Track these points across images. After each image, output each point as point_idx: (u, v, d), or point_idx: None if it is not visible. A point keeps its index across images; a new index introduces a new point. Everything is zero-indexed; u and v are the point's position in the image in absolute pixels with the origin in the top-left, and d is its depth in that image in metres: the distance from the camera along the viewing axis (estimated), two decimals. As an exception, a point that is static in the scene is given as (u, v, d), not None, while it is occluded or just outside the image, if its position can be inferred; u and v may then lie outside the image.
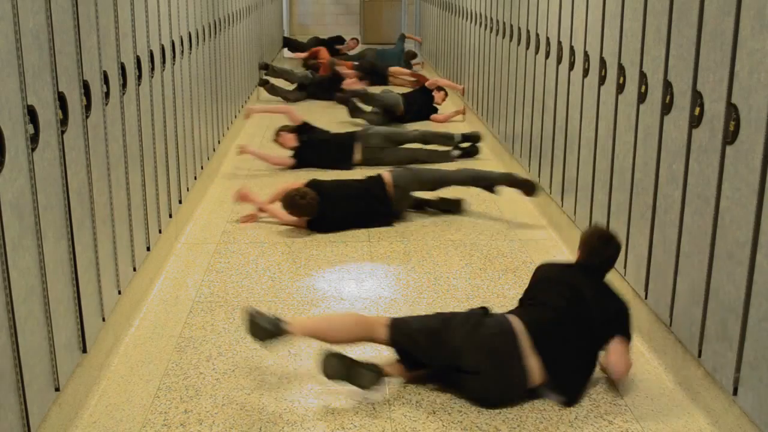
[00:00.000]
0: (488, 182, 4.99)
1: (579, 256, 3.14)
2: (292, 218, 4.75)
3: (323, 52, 11.38)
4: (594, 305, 2.95)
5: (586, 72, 4.09)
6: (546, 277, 3.17)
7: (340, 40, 13.06)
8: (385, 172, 4.97)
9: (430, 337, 2.91)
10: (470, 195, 5.52)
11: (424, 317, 3.07)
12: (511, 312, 3.04)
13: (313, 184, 4.84)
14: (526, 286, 3.22)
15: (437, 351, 2.89)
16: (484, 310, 3.05)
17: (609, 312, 2.97)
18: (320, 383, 3.04)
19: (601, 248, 3.10)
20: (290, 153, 6.19)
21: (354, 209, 4.82)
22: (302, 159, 6.15)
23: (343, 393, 2.98)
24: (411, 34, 13.11)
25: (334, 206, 4.74)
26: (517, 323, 2.91)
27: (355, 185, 4.98)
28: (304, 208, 4.65)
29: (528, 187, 4.91)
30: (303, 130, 6.34)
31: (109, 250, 3.22)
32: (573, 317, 2.92)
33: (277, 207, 4.83)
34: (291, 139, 6.22)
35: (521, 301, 3.18)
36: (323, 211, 4.68)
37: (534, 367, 2.85)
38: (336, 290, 3.93)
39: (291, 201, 4.64)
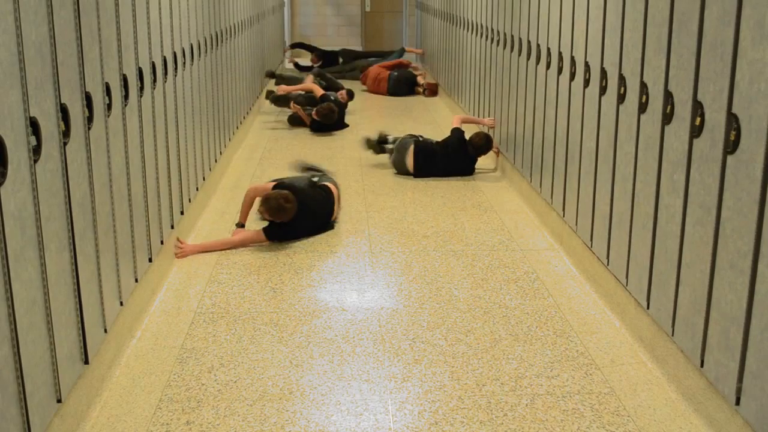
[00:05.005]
0: None
1: None
2: (247, 236, 4.71)
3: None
4: None
5: (586, 82, 4.10)
6: None
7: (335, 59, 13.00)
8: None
9: None
10: (472, 205, 5.54)
11: None
12: None
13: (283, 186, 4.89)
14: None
15: None
16: None
17: None
18: (321, 394, 3.04)
19: None
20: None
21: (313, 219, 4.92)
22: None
23: (345, 404, 2.98)
24: (411, 48, 13.19)
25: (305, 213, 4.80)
26: None
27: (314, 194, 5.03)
28: (288, 212, 4.63)
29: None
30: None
31: (111, 261, 3.23)
32: None
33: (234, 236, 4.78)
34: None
35: None
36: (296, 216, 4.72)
37: None
38: (338, 301, 3.93)
39: (278, 205, 4.60)
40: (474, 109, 7.68)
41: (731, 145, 2.57)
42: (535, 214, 5.24)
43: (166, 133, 4.27)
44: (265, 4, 10.31)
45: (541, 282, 4.17)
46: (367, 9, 15.73)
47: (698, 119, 2.81)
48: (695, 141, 2.85)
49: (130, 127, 3.55)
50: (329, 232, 4.95)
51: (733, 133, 2.55)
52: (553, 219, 4.84)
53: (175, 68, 4.53)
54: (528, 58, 5.39)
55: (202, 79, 5.45)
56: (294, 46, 13.38)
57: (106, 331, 3.12)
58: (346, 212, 5.38)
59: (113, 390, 3.09)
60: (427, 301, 3.93)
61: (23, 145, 2.35)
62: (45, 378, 2.49)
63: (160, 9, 4.17)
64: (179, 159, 4.59)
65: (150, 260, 3.87)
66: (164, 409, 2.95)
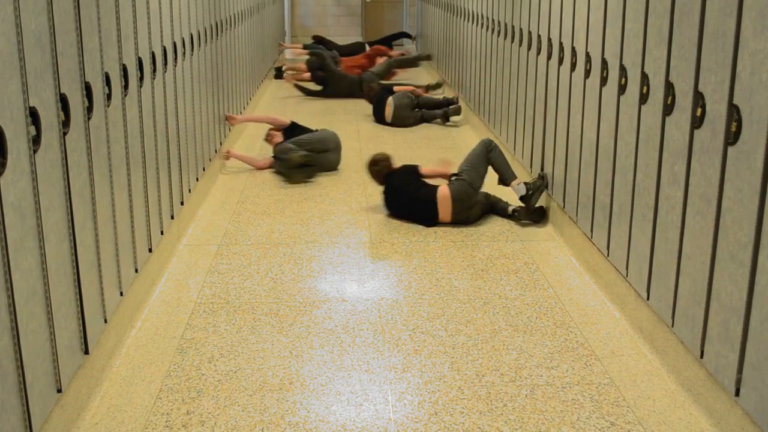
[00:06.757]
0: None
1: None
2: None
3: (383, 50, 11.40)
4: None
5: (587, 73, 4.09)
6: None
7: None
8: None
9: None
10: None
11: None
12: None
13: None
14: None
15: None
16: None
17: None
18: (321, 384, 3.04)
19: None
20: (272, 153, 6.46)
21: None
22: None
23: (345, 394, 2.98)
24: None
25: None
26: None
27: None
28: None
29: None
30: (291, 129, 6.61)
31: (110, 251, 3.23)
32: None
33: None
34: (279, 137, 6.53)
35: None
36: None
37: None
38: (338, 291, 3.93)
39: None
40: (475, 100, 7.67)
41: (732, 136, 2.56)
42: (536, 205, 5.23)
43: (166, 123, 4.26)
44: (265, -7, 10.28)
45: (541, 273, 4.17)
46: (368, -1, 15.69)
47: (699, 110, 2.80)
48: (696, 132, 2.85)
49: (130, 117, 3.55)
50: (329, 222, 4.95)
51: (734, 124, 2.55)
52: (553, 209, 4.83)
53: (175, 58, 4.52)
54: (529, 49, 5.38)
55: (202, 69, 5.43)
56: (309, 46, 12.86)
57: (106, 321, 3.12)
58: (346, 203, 5.38)
59: (113, 380, 3.09)
60: (427, 291, 3.93)
61: (23, 135, 2.35)
62: (45, 368, 2.49)
63: (159, -1, 4.16)
64: (179, 149, 4.58)
65: (150, 250, 3.87)
66: (164, 399, 2.96)
